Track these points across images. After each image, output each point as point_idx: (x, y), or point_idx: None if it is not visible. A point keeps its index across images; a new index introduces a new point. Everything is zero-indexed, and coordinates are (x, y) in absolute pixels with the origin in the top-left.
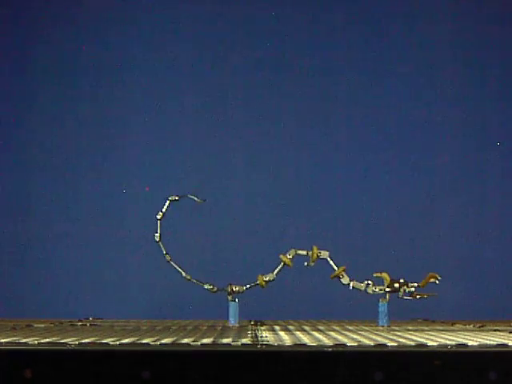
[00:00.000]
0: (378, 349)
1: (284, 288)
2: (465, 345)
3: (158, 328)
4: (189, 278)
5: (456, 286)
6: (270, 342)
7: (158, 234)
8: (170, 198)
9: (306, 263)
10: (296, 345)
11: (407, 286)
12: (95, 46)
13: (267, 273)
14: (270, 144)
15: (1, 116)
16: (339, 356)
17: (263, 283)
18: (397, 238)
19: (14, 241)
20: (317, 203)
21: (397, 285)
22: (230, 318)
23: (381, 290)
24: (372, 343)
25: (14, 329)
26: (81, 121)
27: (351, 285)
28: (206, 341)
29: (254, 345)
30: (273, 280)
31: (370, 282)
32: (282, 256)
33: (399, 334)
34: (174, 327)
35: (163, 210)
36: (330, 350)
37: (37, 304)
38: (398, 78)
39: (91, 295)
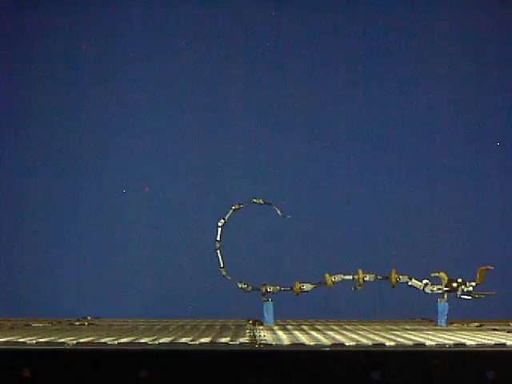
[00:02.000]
0: (377, 348)
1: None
2: (463, 344)
3: (156, 327)
4: (224, 273)
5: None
6: (268, 342)
7: (218, 242)
8: (233, 207)
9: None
10: (294, 344)
11: (465, 286)
12: (95, 46)
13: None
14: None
15: (1, 116)
16: (337, 355)
17: (298, 291)
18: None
19: (13, 240)
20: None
21: (455, 284)
22: (265, 318)
23: (439, 289)
24: (370, 343)
25: (13, 328)
26: (81, 121)
27: (410, 282)
28: (204, 340)
29: (252, 344)
30: (307, 292)
31: (427, 281)
32: (327, 275)
33: (397, 333)
34: (172, 326)
35: (226, 217)
36: (329, 349)
37: (35, 303)
38: (398, 77)
39: (89, 295)
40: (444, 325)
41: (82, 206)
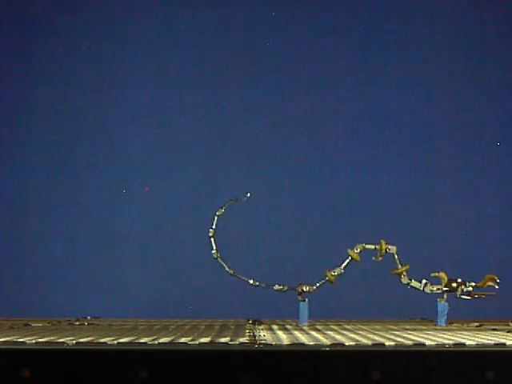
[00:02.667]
0: (376, 348)
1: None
2: (463, 344)
3: (156, 327)
4: (257, 283)
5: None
6: (268, 342)
7: (214, 251)
8: (217, 214)
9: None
10: (294, 344)
11: (465, 286)
12: (95, 46)
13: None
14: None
15: (0, 116)
16: (337, 355)
17: (332, 278)
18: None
19: (12, 240)
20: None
21: (454, 284)
22: (301, 318)
23: (438, 289)
24: (370, 342)
25: (12, 328)
26: (81, 120)
27: (411, 283)
28: (203, 340)
29: (251, 344)
30: (340, 274)
31: (427, 281)
32: (349, 251)
33: (397, 333)
34: (172, 326)
35: (213, 226)
36: (328, 349)
37: (34, 303)
38: (398, 78)
39: (89, 294)
40: (444, 325)
41: (82, 206)
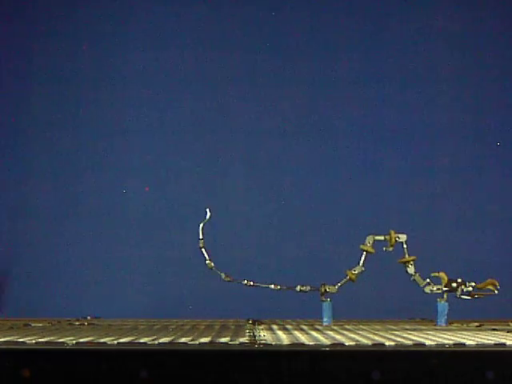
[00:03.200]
0: (376, 348)
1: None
2: (463, 344)
3: (156, 327)
4: (278, 287)
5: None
6: (268, 342)
7: (208, 261)
8: (201, 225)
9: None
10: (294, 344)
11: (465, 286)
12: (95, 46)
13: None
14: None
15: (0, 116)
16: (337, 355)
17: (353, 277)
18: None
19: (12, 240)
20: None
21: (454, 284)
22: (324, 318)
23: (438, 289)
24: (370, 342)
25: (12, 328)
26: (81, 120)
27: (413, 277)
28: (203, 340)
29: (251, 344)
30: (362, 272)
31: (429, 281)
32: (362, 246)
33: (397, 333)
34: (172, 326)
35: (200, 237)
36: (328, 349)
37: (34, 303)
38: (399, 77)
39: (89, 295)
40: (444, 325)
41: (82, 206)
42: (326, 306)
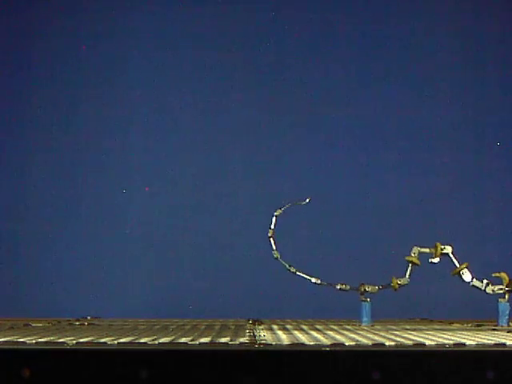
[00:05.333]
0: (376, 348)
1: (281, 287)
2: (463, 344)
3: (156, 327)
4: (319, 282)
5: (454, 285)
6: (268, 342)
7: (274, 251)
8: (275, 214)
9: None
10: (294, 344)
11: None
12: (95, 46)
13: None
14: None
15: (0, 116)
16: (337, 355)
17: (396, 286)
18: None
19: (12, 240)
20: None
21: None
22: (363, 318)
23: (500, 289)
24: (370, 343)
25: (12, 328)
26: (81, 121)
27: (472, 282)
28: (203, 340)
29: (251, 344)
30: (406, 284)
31: (488, 281)
32: (407, 257)
33: (397, 333)
34: (172, 326)
35: (272, 226)
36: (328, 349)
37: (35, 303)
38: (398, 78)
39: (89, 294)
40: (505, 325)
41: (82, 206)
42: (365, 306)
